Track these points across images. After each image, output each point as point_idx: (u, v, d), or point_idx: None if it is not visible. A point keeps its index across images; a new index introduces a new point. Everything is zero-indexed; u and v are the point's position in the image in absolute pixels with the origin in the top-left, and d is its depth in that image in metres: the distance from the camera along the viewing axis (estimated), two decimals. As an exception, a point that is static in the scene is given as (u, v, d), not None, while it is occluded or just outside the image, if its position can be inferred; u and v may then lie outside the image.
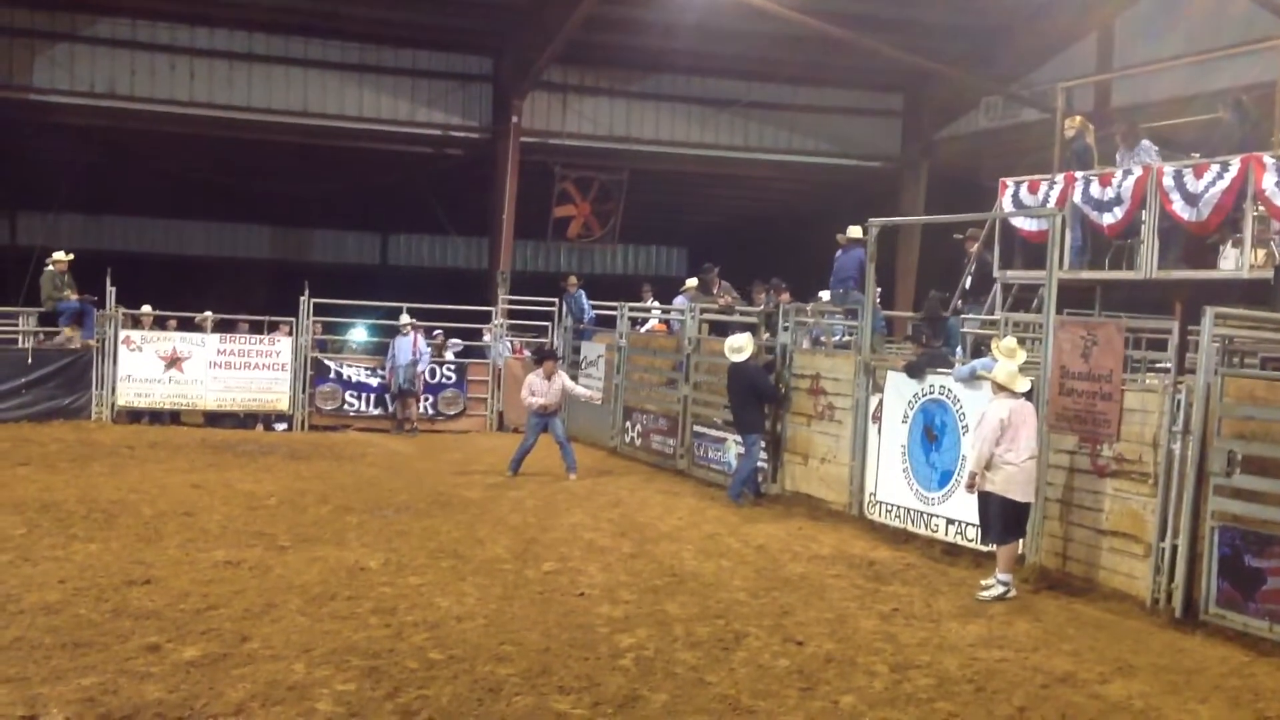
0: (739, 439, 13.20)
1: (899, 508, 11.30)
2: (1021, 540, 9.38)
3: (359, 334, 21.52)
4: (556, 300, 19.84)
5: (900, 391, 11.40)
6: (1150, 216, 11.01)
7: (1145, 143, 11.81)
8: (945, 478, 10.72)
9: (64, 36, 21.70)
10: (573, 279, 20.19)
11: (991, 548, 9.47)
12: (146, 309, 18.47)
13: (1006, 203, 12.57)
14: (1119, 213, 11.31)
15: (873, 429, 11.78)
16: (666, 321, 18.23)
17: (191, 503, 11.64)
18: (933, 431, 10.92)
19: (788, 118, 25.69)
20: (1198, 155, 11.17)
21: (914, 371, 11.25)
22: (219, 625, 7.51)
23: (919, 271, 23.88)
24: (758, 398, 12.92)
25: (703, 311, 15.57)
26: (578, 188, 25.83)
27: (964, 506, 10.11)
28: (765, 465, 13.29)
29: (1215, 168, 10.44)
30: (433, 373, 18.93)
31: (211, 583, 8.57)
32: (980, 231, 13.35)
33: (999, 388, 9.20)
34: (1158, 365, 11.82)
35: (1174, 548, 8.53)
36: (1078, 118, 13.03)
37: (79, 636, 7.15)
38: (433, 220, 29.41)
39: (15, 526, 10.19)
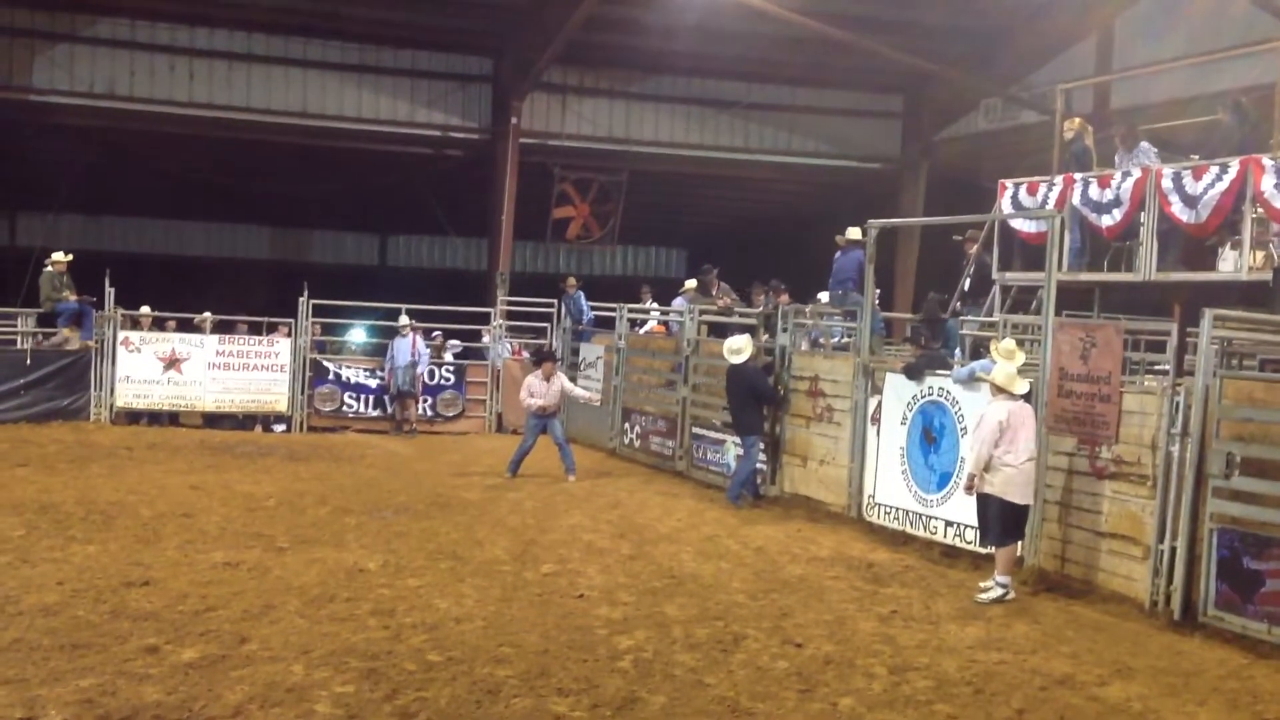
0: (738, 441, 13.20)
1: (898, 510, 11.30)
2: (1020, 542, 9.38)
3: (358, 335, 21.50)
4: (555, 301, 19.84)
5: (899, 393, 11.40)
6: (1149, 218, 11.01)
7: (1144, 144, 11.81)
8: (944, 480, 10.72)
9: (64, 37, 21.71)
10: (572, 280, 20.19)
11: (990, 550, 9.47)
12: (145, 310, 18.46)
13: (1005, 204, 12.57)
14: (1118, 214, 11.31)
15: (871, 431, 11.78)
16: (665, 323, 18.23)
17: (190, 504, 11.64)
18: (931, 433, 10.92)
19: (787, 119, 25.71)
20: (1197, 157, 11.16)
21: (913, 373, 11.25)
22: (217, 627, 7.51)
23: (918, 273, 23.90)
24: (756, 399, 12.92)
25: (702, 313, 15.57)
26: (577, 189, 25.84)
27: (963, 508, 10.11)
28: (764, 467, 13.28)
29: (1214, 170, 10.43)
30: (431, 374, 18.92)
31: (210, 584, 8.57)
32: (979, 233, 13.34)
33: (998, 389, 9.20)
34: (1156, 367, 11.82)
35: (1173, 550, 8.54)
36: (1077, 119, 13.02)
37: (77, 638, 7.15)
38: (432, 221, 29.41)
39: (14, 528, 10.18)
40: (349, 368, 18.75)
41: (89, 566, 8.94)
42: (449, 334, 20.16)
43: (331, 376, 18.53)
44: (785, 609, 8.53)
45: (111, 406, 17.52)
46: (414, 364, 18.34)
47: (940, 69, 22.68)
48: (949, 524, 10.62)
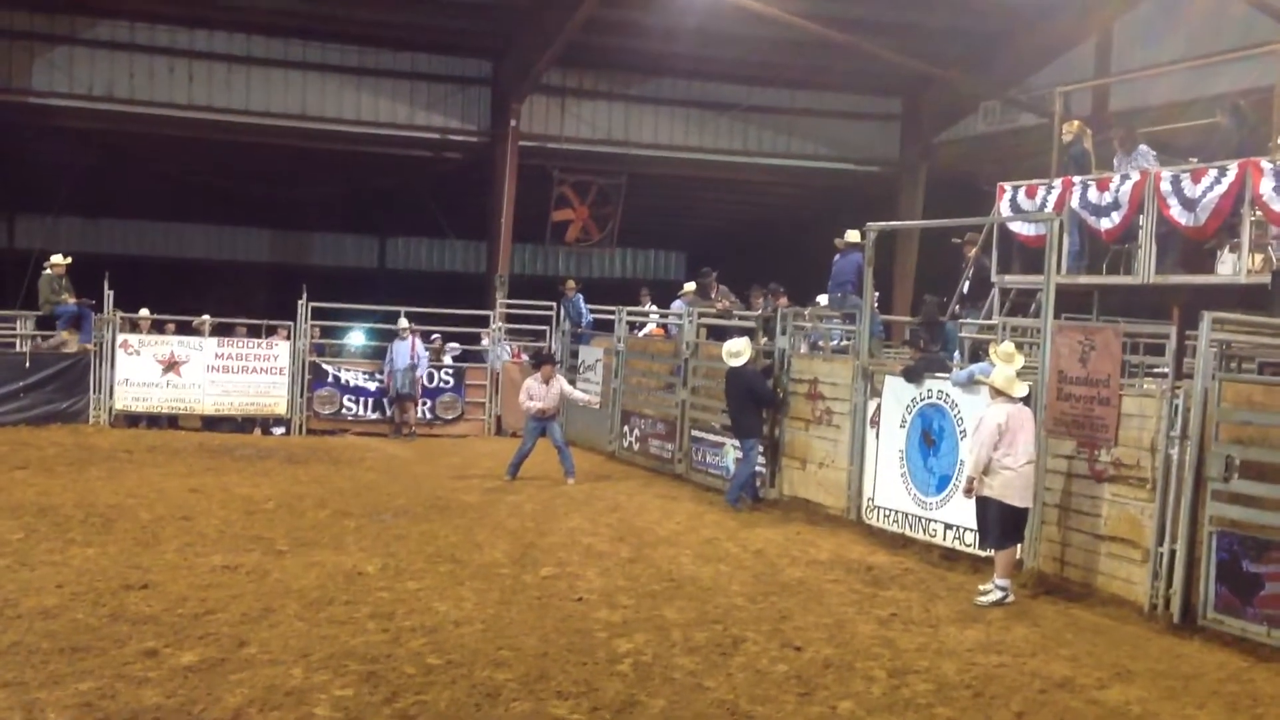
0: (737, 444, 13.20)
1: (897, 512, 11.30)
2: (1019, 545, 9.37)
3: (357, 338, 21.50)
4: (554, 304, 19.84)
5: (898, 396, 11.40)
6: (1148, 221, 11.01)
7: (1143, 147, 11.81)
8: (943, 482, 10.72)
9: (63, 39, 21.73)
10: (571, 283, 20.21)
11: (989, 553, 9.47)
12: (144, 313, 18.46)
13: (1004, 207, 12.57)
14: (1116, 217, 11.31)
15: (871, 434, 11.78)
16: (664, 326, 18.22)
17: (189, 507, 11.63)
18: (931, 436, 10.92)
19: (786, 122, 25.73)
20: (1195, 160, 11.17)
21: (912, 376, 11.25)
22: (217, 630, 7.51)
23: (917, 276, 23.91)
24: (756, 402, 12.92)
25: (701, 316, 15.56)
26: (576, 192, 25.86)
27: (962, 511, 10.11)
28: (763, 470, 13.28)
29: (1213, 173, 10.44)
30: (431, 377, 18.92)
31: (209, 587, 8.56)
32: (978, 236, 13.34)
33: (997, 392, 9.21)
34: (1155, 370, 11.83)
35: (1172, 553, 8.54)
36: (1075, 122, 13.03)
37: (76, 641, 7.14)
38: (431, 224, 29.45)
39: (12, 531, 10.17)
40: (348, 370, 18.74)
41: (88, 569, 8.93)
42: (448, 337, 20.16)
43: (330, 379, 18.53)
44: (784, 612, 8.52)
45: (110, 409, 17.51)
46: (413, 367, 18.33)
47: (939, 72, 22.70)
48: (948, 527, 10.62)
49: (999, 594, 8.99)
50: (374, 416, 18.66)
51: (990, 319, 12.40)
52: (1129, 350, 11.64)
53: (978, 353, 11.76)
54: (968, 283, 13.53)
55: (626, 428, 16.60)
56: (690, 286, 17.83)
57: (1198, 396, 8.43)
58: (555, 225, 26.11)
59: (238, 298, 24.82)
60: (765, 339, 13.82)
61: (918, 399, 11.13)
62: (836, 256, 14.68)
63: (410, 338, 18.40)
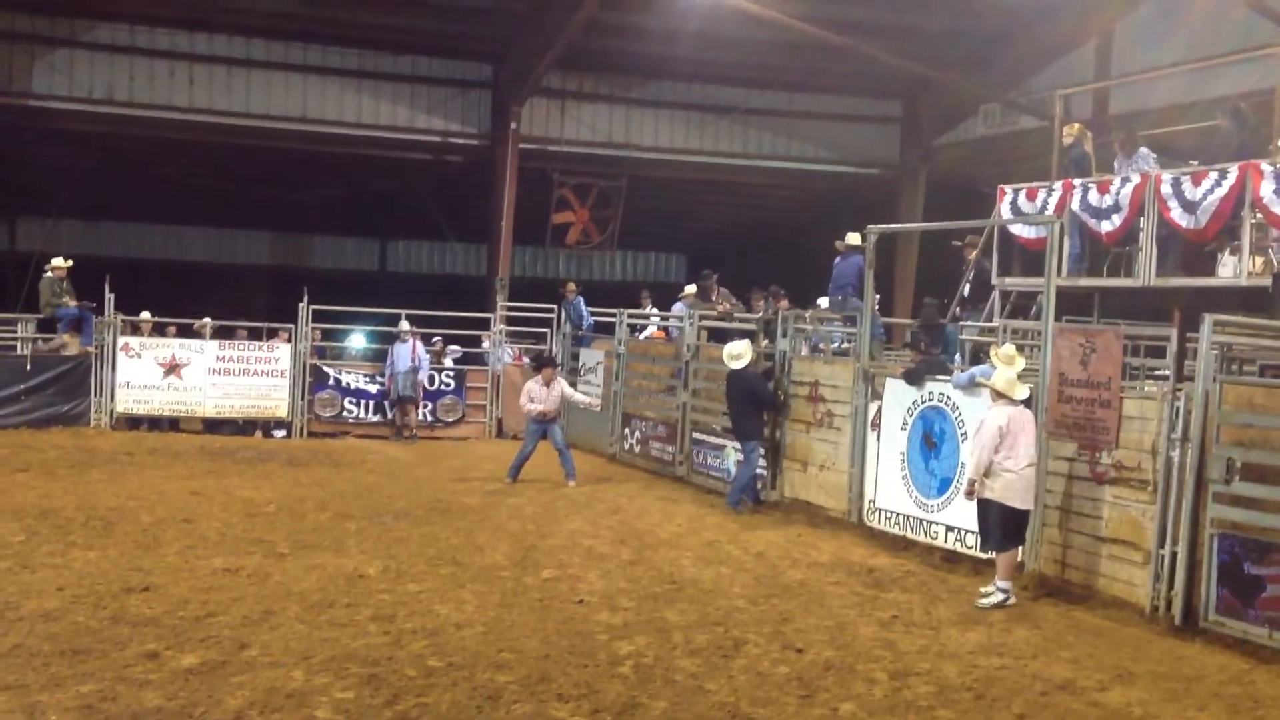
0: (738, 446, 13.19)
1: (898, 515, 11.30)
2: (1021, 547, 9.38)
3: (358, 340, 21.50)
4: (555, 307, 19.85)
5: (899, 399, 11.40)
6: (1148, 224, 11.01)
7: (1143, 150, 11.82)
8: (944, 485, 10.72)
9: (63, 42, 21.75)
10: (571, 285, 20.22)
11: (991, 555, 9.46)
12: (145, 315, 18.47)
13: (1005, 210, 12.58)
14: (1117, 220, 11.32)
15: (872, 436, 11.78)
16: (665, 328, 18.23)
17: (190, 509, 11.63)
18: (932, 438, 10.92)
19: (786, 124, 25.74)
20: (1196, 163, 11.18)
21: (913, 379, 11.26)
22: (218, 632, 7.51)
23: (917, 278, 23.92)
24: (756, 405, 12.92)
25: (701, 318, 15.57)
26: (576, 194, 25.87)
27: (963, 513, 10.10)
28: (764, 472, 13.28)
29: (1213, 175, 10.44)
30: (432, 379, 18.93)
31: (210, 590, 8.56)
32: (979, 239, 13.35)
33: (998, 395, 9.21)
34: (1156, 372, 11.83)
35: (1173, 555, 8.54)
36: (1076, 125, 13.04)
37: (77, 644, 7.14)
38: (432, 227, 29.47)
39: (14, 533, 10.17)
40: (349, 373, 18.74)
41: (89, 572, 8.93)
42: (449, 339, 20.16)
43: (331, 382, 18.53)
44: (786, 614, 8.52)
45: (112, 412, 17.52)
46: (414, 369, 18.33)
47: (939, 74, 22.72)
48: (949, 529, 10.62)
49: (1000, 596, 8.99)
50: (375, 419, 18.66)
51: (991, 321, 12.41)
52: (1130, 353, 11.65)
53: (979, 355, 11.78)
54: (968, 285, 13.54)
55: (627, 430, 16.60)
56: (691, 289, 17.85)
57: (1199, 399, 8.43)
58: (556, 228, 26.13)
59: (238, 300, 24.84)
60: (766, 341, 13.82)
61: (919, 401, 11.13)
62: (837, 259, 14.68)
63: (411, 340, 18.42)
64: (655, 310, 19.38)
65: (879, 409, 11.68)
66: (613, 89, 24.79)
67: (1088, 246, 11.81)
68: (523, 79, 23.06)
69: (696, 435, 14.76)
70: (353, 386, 18.61)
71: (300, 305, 18.07)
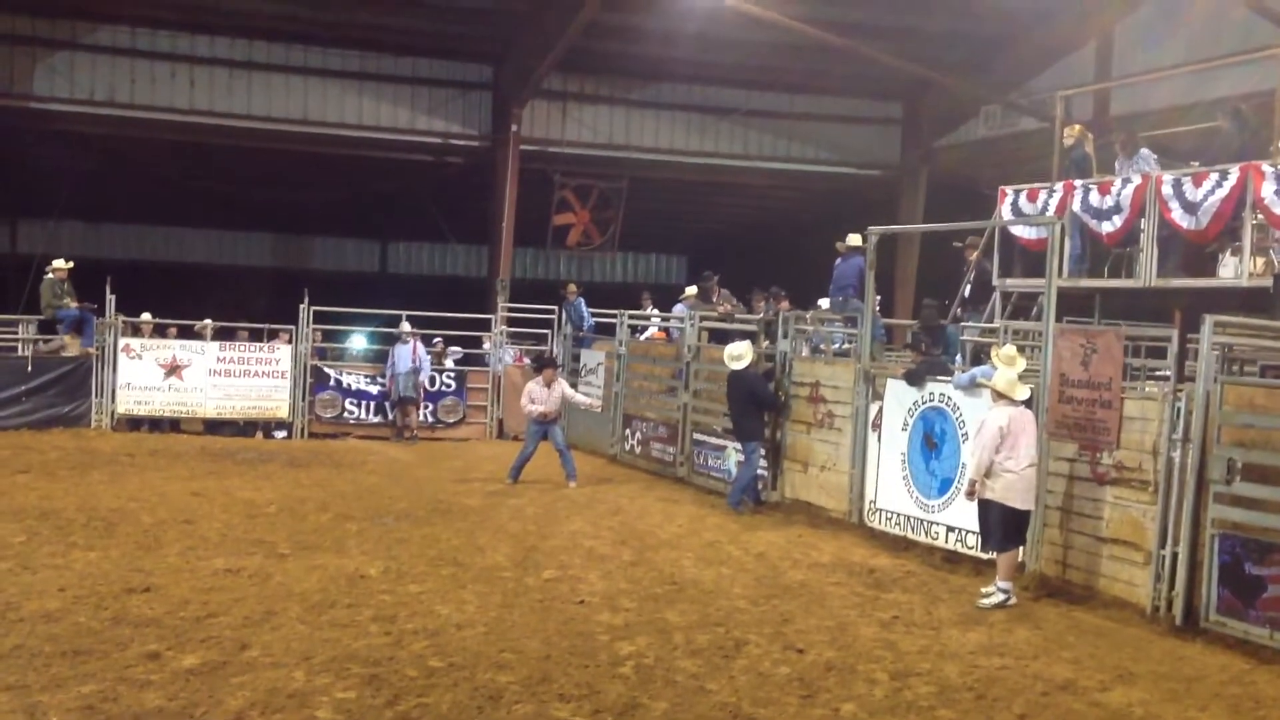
0: (739, 447, 13.20)
1: (899, 515, 11.30)
2: (1021, 548, 9.38)
3: (359, 341, 21.52)
4: (556, 308, 19.85)
5: (900, 399, 11.40)
6: (1149, 225, 11.02)
7: (1144, 151, 11.83)
8: (945, 485, 10.72)
9: (64, 44, 21.77)
10: (572, 287, 20.23)
11: (992, 555, 9.46)
12: (146, 317, 18.48)
13: (1005, 211, 12.58)
14: (1118, 221, 11.32)
15: (872, 437, 11.78)
16: (666, 329, 18.24)
17: (191, 510, 11.63)
18: (932, 439, 10.92)
19: (787, 126, 25.75)
20: (1196, 164, 11.18)
21: (913, 379, 11.26)
22: (219, 633, 7.51)
23: (918, 279, 23.93)
24: (757, 405, 12.92)
25: (702, 319, 15.57)
26: (577, 196, 25.89)
27: (964, 514, 10.10)
28: (765, 473, 13.28)
29: (1214, 176, 10.45)
30: (433, 380, 18.94)
31: (211, 590, 8.56)
32: (979, 240, 13.35)
33: (999, 395, 9.21)
34: (1157, 373, 11.82)
35: (1174, 555, 8.54)
36: (1077, 126, 13.04)
37: (79, 644, 7.14)
38: (433, 228, 29.47)
39: (15, 534, 10.18)
40: (350, 374, 18.75)
41: (90, 573, 8.93)
42: (450, 340, 20.17)
43: (332, 383, 18.54)
44: (786, 615, 8.52)
45: (113, 413, 17.53)
46: (415, 370, 18.35)
47: (939, 76, 22.73)
48: (950, 529, 10.62)
49: (1001, 596, 8.99)
50: (376, 420, 18.67)
51: (992, 322, 12.41)
52: (1130, 353, 11.64)
53: (979, 356, 11.77)
54: (969, 286, 13.55)
55: (628, 431, 16.60)
56: (692, 290, 17.85)
57: (1199, 399, 8.43)
58: (556, 229, 26.14)
59: (239, 302, 24.83)
60: (767, 342, 13.82)
61: (919, 402, 11.14)
62: (838, 260, 14.68)
63: (412, 341, 18.43)
64: (656, 311, 19.40)
65: (880, 410, 11.68)
66: (613, 90, 24.80)
67: (1089, 247, 11.82)
68: (523, 81, 23.07)
69: (697, 436, 14.76)
70: (353, 387, 18.62)
71: (301, 306, 18.08)
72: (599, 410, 17.06)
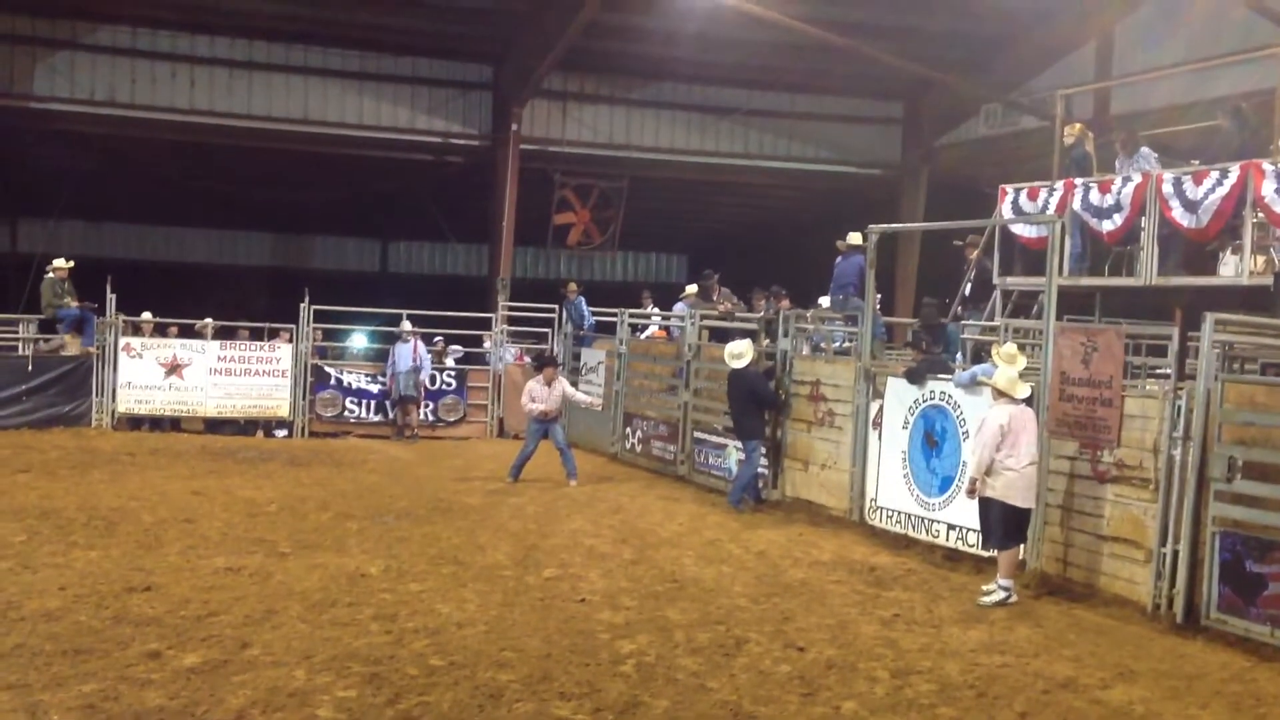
0: (739, 445, 13.20)
1: (900, 513, 11.30)
2: (1022, 546, 9.38)
3: (359, 340, 21.53)
4: (556, 307, 19.85)
5: (900, 397, 11.40)
6: (1150, 223, 11.03)
7: (1144, 150, 11.83)
8: (946, 483, 10.72)
9: (64, 44, 21.77)
10: (573, 286, 20.24)
11: (992, 553, 9.46)
12: (147, 316, 18.48)
13: (1006, 210, 12.59)
14: (1118, 219, 11.33)
15: (873, 435, 11.78)
16: (667, 328, 18.23)
17: (192, 509, 11.64)
18: (933, 437, 10.92)
19: (788, 125, 25.75)
20: (1197, 162, 11.19)
21: (914, 377, 11.26)
22: (219, 632, 7.51)
23: (919, 278, 23.92)
24: (758, 404, 12.92)
25: (703, 318, 15.57)
26: (577, 195, 25.89)
27: (965, 512, 10.11)
28: (766, 471, 13.28)
29: (1214, 175, 10.45)
30: (433, 379, 18.94)
31: (212, 589, 8.56)
32: (980, 238, 13.35)
33: (999, 393, 9.22)
34: (1158, 371, 11.82)
35: (1175, 553, 8.53)
36: (1077, 125, 13.05)
37: (79, 643, 7.14)
38: (433, 227, 29.46)
39: (15, 533, 10.18)
40: (350, 373, 18.76)
41: (91, 572, 8.94)
42: (450, 339, 20.17)
43: (333, 382, 18.55)
44: (787, 613, 8.52)
45: (113, 412, 17.53)
46: (416, 369, 18.35)
47: (940, 75, 22.72)
48: (951, 527, 10.62)
49: (1002, 594, 8.99)
50: (376, 419, 18.68)
51: (992, 320, 12.41)
52: (1131, 351, 11.64)
53: (980, 354, 11.77)
54: (970, 285, 13.55)
55: (629, 430, 16.60)
56: (692, 289, 17.85)
57: (1200, 397, 8.43)
58: (557, 228, 26.14)
59: (240, 301, 24.86)
60: (767, 341, 13.83)
61: (920, 400, 11.14)
62: (838, 259, 14.68)
63: (413, 340, 18.43)
64: (656, 310, 19.40)
65: (880, 408, 11.68)
66: (614, 90, 24.80)
67: (1089, 246, 11.83)
68: (523, 80, 23.07)
69: (698, 434, 14.77)
70: (354, 386, 18.62)
71: (301, 306, 18.08)
72: (599, 409, 17.06)
